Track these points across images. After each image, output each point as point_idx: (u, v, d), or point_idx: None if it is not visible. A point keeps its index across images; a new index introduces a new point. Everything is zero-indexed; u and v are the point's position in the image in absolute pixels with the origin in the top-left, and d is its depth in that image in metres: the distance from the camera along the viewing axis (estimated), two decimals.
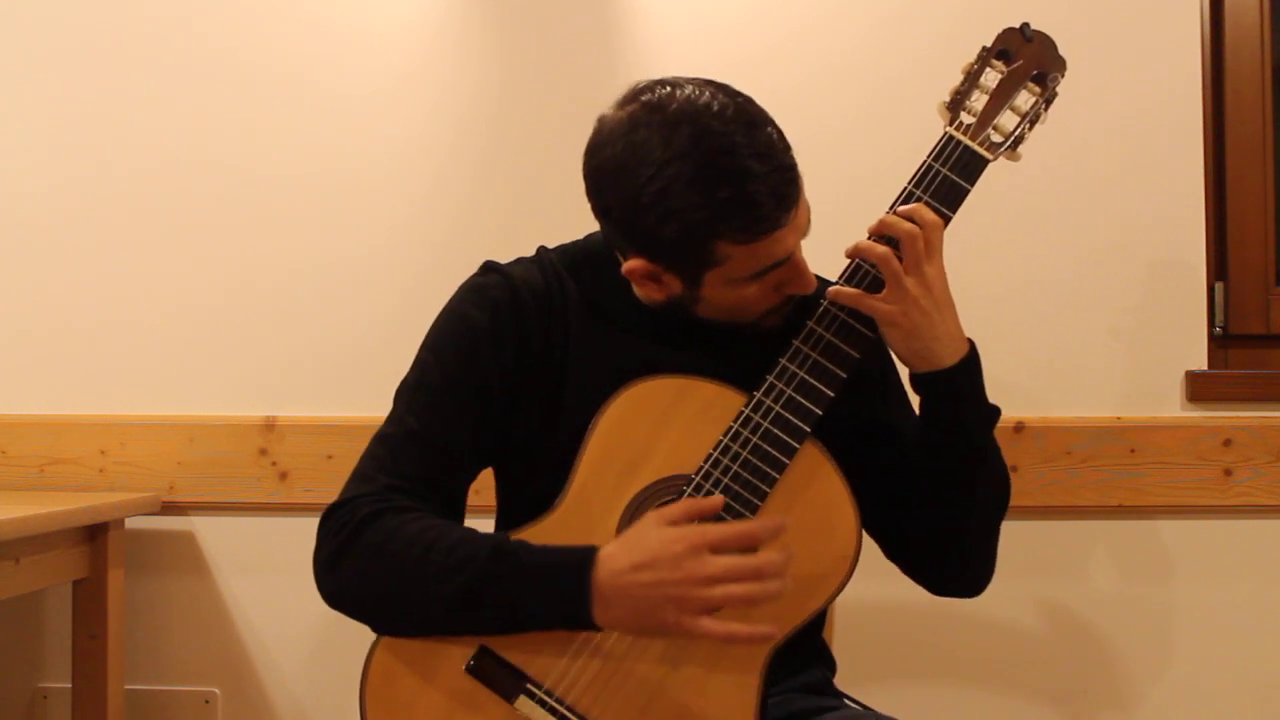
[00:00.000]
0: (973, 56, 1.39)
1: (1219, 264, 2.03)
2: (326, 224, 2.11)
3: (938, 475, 1.35)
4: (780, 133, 1.26)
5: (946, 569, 1.42)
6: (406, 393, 1.39)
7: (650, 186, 1.23)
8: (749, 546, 1.22)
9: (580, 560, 1.23)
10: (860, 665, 1.91)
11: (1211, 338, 2.00)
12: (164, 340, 2.13)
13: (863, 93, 2.02)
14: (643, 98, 1.26)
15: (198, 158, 2.13)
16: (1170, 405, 1.97)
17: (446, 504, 1.36)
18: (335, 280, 2.10)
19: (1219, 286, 2.01)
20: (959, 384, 1.33)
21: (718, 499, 1.27)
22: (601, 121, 1.28)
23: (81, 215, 2.15)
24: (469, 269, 1.50)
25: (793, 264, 1.29)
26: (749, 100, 1.27)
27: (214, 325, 2.12)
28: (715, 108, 1.23)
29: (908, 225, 1.30)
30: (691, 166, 1.21)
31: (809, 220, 1.31)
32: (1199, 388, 1.96)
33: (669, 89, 1.25)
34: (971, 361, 1.34)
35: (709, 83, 1.27)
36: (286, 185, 2.11)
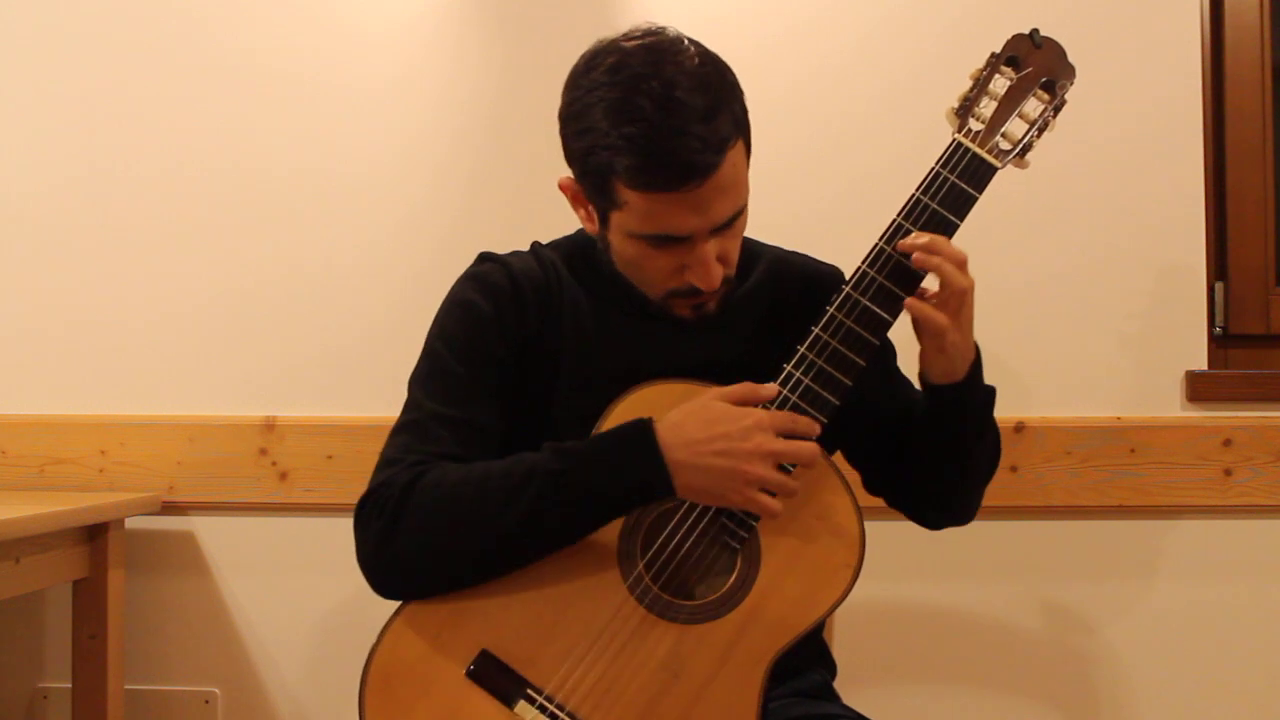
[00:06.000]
0: (979, 60, 1.37)
1: (1219, 264, 2.03)
2: (326, 223, 2.10)
3: (939, 452, 1.38)
4: (739, 122, 1.25)
5: (944, 517, 1.48)
6: (421, 381, 1.38)
7: (579, 101, 1.26)
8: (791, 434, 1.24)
9: (641, 430, 1.23)
10: (860, 667, 1.91)
11: (1211, 338, 2.00)
12: (164, 340, 2.12)
13: (864, 91, 2.01)
14: (631, 30, 1.28)
15: (196, 157, 2.12)
16: (1170, 405, 1.97)
17: None
18: (335, 280, 2.10)
19: (1219, 286, 2.01)
20: (972, 385, 1.35)
21: (772, 386, 1.26)
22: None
23: (81, 215, 2.15)
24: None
25: (696, 251, 1.28)
26: (727, 76, 1.27)
27: (214, 325, 2.12)
28: (681, 58, 1.24)
29: (960, 276, 1.28)
30: (618, 94, 1.23)
31: (736, 225, 1.29)
32: (1199, 388, 1.96)
33: (660, 29, 1.27)
34: (977, 364, 1.36)
35: (705, 48, 1.28)
36: (286, 185, 2.11)
